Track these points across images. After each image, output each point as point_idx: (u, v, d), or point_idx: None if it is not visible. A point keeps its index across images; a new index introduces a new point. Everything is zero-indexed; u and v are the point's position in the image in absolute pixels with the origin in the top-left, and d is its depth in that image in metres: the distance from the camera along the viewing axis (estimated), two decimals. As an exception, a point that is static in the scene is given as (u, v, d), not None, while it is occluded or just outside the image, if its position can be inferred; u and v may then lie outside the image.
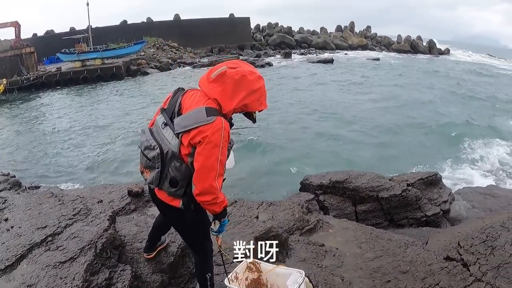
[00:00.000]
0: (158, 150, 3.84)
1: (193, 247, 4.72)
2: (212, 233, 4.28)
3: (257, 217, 8.00)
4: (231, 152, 4.25)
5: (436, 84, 42.48)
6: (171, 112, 3.97)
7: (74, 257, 4.67)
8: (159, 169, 3.89)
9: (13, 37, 62.47)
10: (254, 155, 20.89)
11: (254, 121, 4.06)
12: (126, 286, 4.51)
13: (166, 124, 3.93)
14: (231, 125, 4.01)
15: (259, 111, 3.99)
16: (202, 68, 60.12)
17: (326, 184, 11.26)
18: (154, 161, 3.89)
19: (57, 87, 56.32)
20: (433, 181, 11.15)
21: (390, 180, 11.01)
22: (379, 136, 22.84)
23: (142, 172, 4.20)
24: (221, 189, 3.88)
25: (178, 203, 4.00)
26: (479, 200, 11.38)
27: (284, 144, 22.28)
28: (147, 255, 5.45)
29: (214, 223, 4.14)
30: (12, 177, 10.66)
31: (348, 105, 31.51)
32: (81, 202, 6.09)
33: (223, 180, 4.00)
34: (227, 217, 4.18)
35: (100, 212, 5.71)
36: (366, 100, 33.58)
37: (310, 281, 5.05)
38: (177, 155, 3.78)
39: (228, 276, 4.66)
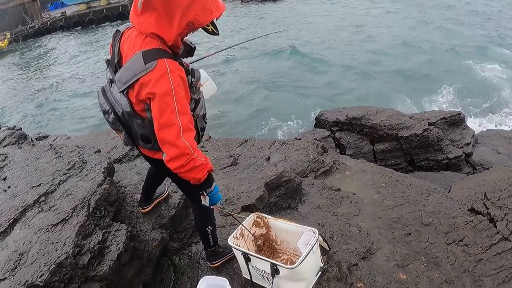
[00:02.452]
0: (113, 114, 3.35)
1: (189, 198, 4.32)
2: (206, 206, 3.69)
3: (268, 158, 7.64)
4: (205, 76, 3.80)
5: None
6: (114, 64, 3.36)
7: (66, 218, 4.31)
8: (124, 131, 3.42)
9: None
10: (264, 87, 20.47)
11: (215, 33, 3.24)
12: (120, 249, 4.14)
13: (112, 81, 3.38)
14: (192, 50, 3.50)
15: (216, 19, 3.19)
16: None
17: (343, 121, 10.96)
18: (115, 124, 3.41)
19: (63, 32, 56.60)
20: (456, 121, 10.68)
21: (410, 118, 10.59)
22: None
23: (117, 133, 3.70)
24: (197, 148, 3.24)
25: (161, 156, 3.40)
26: (503, 144, 10.90)
27: (296, 76, 21.76)
28: (143, 209, 5.06)
29: (203, 197, 3.60)
30: (18, 129, 10.36)
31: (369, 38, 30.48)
32: (78, 153, 5.72)
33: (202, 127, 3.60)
34: (213, 185, 3.55)
35: (96, 165, 5.31)
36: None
37: (324, 240, 4.64)
38: (133, 113, 3.24)
39: (233, 234, 4.35)
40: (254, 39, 7.25)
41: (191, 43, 3.51)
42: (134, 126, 3.31)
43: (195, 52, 3.57)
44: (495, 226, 5.41)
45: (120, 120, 3.33)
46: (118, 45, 3.30)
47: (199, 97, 3.49)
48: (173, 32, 3.03)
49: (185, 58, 3.52)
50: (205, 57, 5.72)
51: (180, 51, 3.30)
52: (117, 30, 3.40)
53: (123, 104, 3.23)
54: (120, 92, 3.18)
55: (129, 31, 3.28)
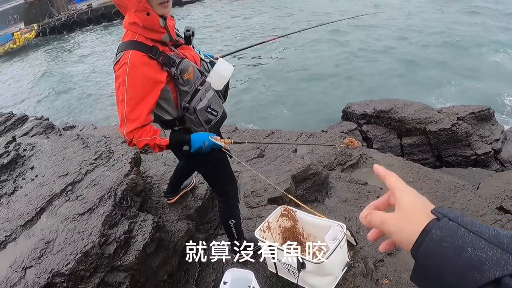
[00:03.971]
0: None
1: (213, 188, 4.38)
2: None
3: (295, 150, 7.60)
4: (219, 64, 3.63)
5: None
6: None
7: (93, 207, 4.37)
8: None
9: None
10: (291, 79, 20.37)
11: None
12: (146, 239, 4.14)
13: None
14: (186, 37, 3.51)
15: None
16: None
17: (370, 114, 10.84)
18: None
19: (90, 25, 56.59)
20: (485, 116, 10.47)
21: (439, 112, 10.42)
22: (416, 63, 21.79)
23: None
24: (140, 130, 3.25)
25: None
26: (533, 141, 10.67)
27: (324, 68, 21.59)
28: (168, 200, 5.11)
29: None
30: (45, 120, 10.52)
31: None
32: (105, 143, 5.79)
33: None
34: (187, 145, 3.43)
35: (122, 155, 5.36)
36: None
37: (352, 235, 4.59)
38: None
39: (259, 227, 4.28)
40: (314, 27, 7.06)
41: (187, 30, 3.52)
42: None
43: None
44: (525, 227, 5.31)
45: None
46: None
47: (197, 88, 3.46)
48: (132, 13, 3.13)
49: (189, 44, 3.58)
50: (265, 42, 5.61)
51: (164, 38, 3.28)
52: None
53: None
54: None
55: None
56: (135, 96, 3.14)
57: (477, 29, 27.17)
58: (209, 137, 3.45)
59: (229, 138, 3.71)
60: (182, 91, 3.35)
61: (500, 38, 24.81)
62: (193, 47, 3.61)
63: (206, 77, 3.54)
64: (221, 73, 3.64)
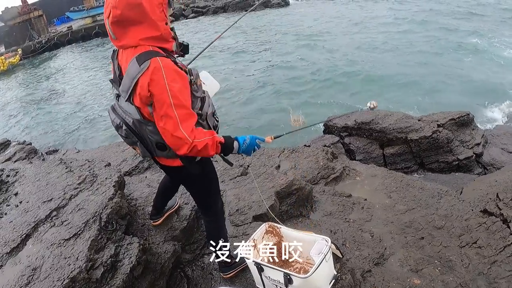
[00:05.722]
0: (124, 126, 3.39)
1: (203, 206, 4.30)
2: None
3: (278, 167, 7.62)
4: (205, 74, 3.83)
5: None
6: (117, 80, 3.42)
7: (78, 232, 4.35)
8: (139, 141, 3.44)
9: (20, 3, 62.85)
10: (270, 97, 20.45)
11: None
12: (133, 262, 4.14)
13: (118, 95, 3.44)
14: (185, 47, 3.58)
15: None
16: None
17: (351, 126, 10.90)
18: (130, 136, 3.44)
19: (70, 46, 56.97)
20: (465, 122, 10.58)
21: (419, 120, 10.52)
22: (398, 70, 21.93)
23: (134, 149, 3.74)
24: (195, 131, 3.26)
25: (179, 162, 3.55)
26: (513, 143, 10.77)
27: (305, 84, 21.68)
28: (154, 222, 5.12)
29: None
30: (28, 144, 10.50)
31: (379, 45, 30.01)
32: (88, 167, 5.76)
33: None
34: (236, 146, 3.64)
35: (106, 178, 5.34)
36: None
37: (337, 248, 4.62)
38: (143, 120, 3.29)
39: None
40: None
41: (183, 41, 3.56)
42: (147, 135, 3.35)
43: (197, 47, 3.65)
44: (509, 227, 5.34)
45: (133, 130, 3.37)
46: (116, 61, 3.39)
47: (203, 96, 3.54)
48: (156, 19, 3.12)
49: (181, 58, 3.63)
50: (214, 41, 5.66)
51: (173, 47, 3.36)
52: (114, 50, 3.46)
53: (132, 113, 3.29)
54: (126, 101, 3.25)
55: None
56: (180, 98, 3.13)
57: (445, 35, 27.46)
58: (256, 141, 3.76)
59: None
60: (195, 97, 3.38)
61: (467, 41, 25.10)
62: None
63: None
64: (215, 82, 3.78)
